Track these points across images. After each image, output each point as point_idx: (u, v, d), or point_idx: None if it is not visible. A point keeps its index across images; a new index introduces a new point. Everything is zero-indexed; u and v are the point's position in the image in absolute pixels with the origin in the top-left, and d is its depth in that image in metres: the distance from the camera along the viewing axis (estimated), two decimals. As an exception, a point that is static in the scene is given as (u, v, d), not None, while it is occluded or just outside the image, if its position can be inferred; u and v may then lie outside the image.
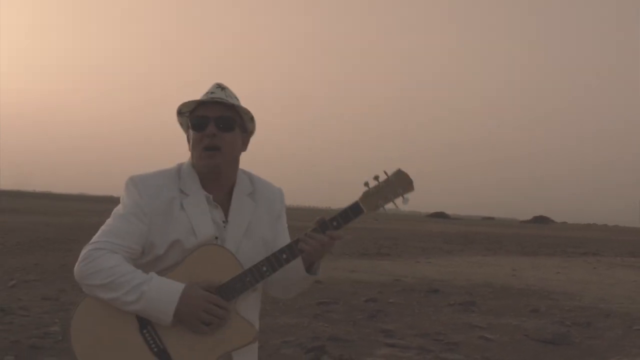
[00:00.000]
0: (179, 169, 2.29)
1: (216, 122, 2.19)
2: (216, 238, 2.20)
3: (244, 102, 2.32)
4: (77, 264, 2.14)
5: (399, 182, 2.23)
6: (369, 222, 70.75)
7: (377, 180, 2.22)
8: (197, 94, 2.26)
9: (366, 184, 2.22)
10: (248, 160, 2.35)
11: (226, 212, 2.26)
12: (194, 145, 2.23)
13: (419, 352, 7.36)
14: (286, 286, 2.34)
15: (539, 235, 53.00)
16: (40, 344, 6.71)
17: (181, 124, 2.31)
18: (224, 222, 2.24)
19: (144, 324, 2.05)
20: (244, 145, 2.31)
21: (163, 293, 2.05)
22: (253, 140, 2.35)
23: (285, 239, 2.35)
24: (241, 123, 2.28)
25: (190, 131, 2.25)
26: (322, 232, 2.15)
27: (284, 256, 2.16)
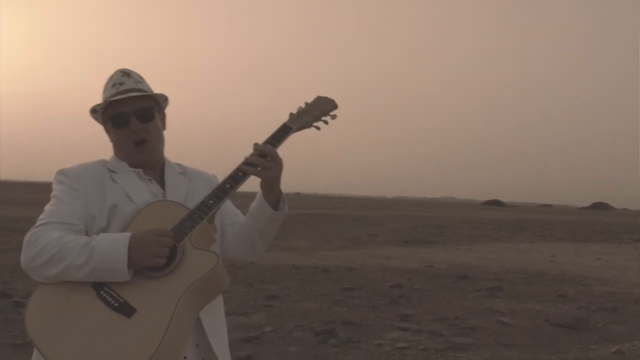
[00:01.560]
0: (103, 159, 2.29)
1: (137, 116, 2.18)
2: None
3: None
4: (21, 253, 2.01)
5: (321, 102, 2.35)
6: (420, 210, 70.47)
7: (300, 107, 2.32)
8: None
9: (290, 113, 2.30)
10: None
11: (161, 187, 2.25)
12: (121, 143, 2.22)
13: (430, 336, 7.44)
14: (251, 231, 2.26)
15: (595, 222, 51.85)
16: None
17: (96, 120, 2.29)
18: (162, 194, 2.22)
19: (100, 287, 1.94)
20: (164, 125, 2.31)
21: (111, 242, 1.96)
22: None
23: (232, 207, 2.37)
24: (158, 107, 2.27)
25: (111, 127, 2.23)
26: (260, 155, 2.14)
27: (227, 185, 2.13)
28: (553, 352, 7.02)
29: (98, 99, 2.24)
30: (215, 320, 2.18)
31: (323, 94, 2.41)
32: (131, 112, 2.16)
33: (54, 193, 2.16)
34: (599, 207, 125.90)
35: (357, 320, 8.06)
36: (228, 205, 2.36)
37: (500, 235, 30.15)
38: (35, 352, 2.01)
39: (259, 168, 2.13)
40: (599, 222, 51.11)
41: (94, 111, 2.24)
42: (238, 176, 2.14)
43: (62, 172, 2.19)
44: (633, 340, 7.66)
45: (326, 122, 2.34)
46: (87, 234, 2.07)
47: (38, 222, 2.05)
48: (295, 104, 2.36)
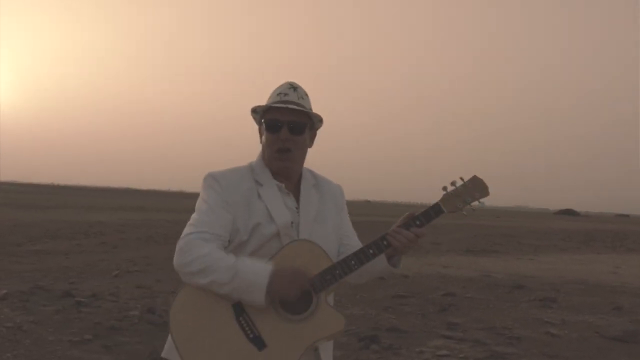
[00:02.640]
0: (250, 165, 2.46)
1: (289, 126, 2.35)
2: (292, 223, 2.34)
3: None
4: (175, 256, 2.26)
5: (475, 187, 2.41)
6: (489, 219, 69.52)
7: (455, 185, 2.39)
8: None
9: (444, 188, 2.39)
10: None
11: (296, 200, 2.43)
12: (268, 145, 2.39)
13: (473, 344, 7.49)
14: (362, 275, 2.42)
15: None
16: (118, 325, 7.44)
17: (254, 119, 2.48)
18: (296, 208, 2.39)
19: (240, 311, 2.14)
20: (311, 142, 2.48)
21: (255, 268, 2.16)
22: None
23: (349, 229, 2.56)
24: (311, 124, 2.44)
25: (263, 130, 2.41)
26: (407, 229, 2.30)
27: (371, 251, 2.28)
28: (597, 364, 6.97)
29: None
30: (328, 353, 2.42)
31: (479, 175, 2.45)
32: (285, 121, 2.36)
33: (205, 199, 2.36)
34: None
35: (403, 327, 8.17)
36: (346, 221, 2.60)
37: (567, 245, 29.47)
38: (168, 342, 2.28)
39: (404, 242, 2.30)
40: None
41: (254, 111, 2.45)
42: (382, 245, 2.30)
43: (214, 178, 2.38)
44: (684, 355, 7.52)
45: (474, 210, 2.45)
46: (229, 243, 2.32)
47: (191, 229, 2.28)
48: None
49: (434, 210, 2.35)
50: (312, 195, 2.46)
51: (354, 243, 2.53)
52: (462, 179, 2.41)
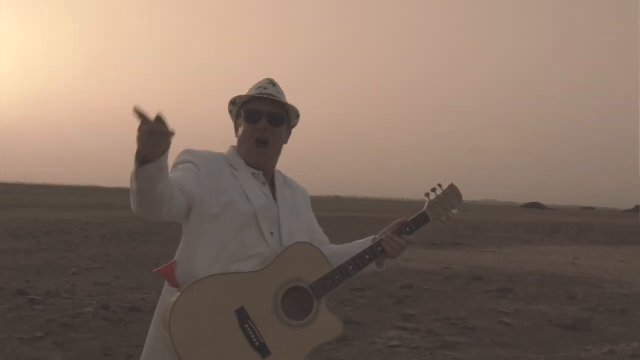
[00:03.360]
0: (223, 154, 2.46)
1: (268, 117, 2.38)
2: (265, 208, 2.34)
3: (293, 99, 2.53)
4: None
5: (453, 195, 2.53)
6: (460, 214, 69.85)
7: (435, 193, 2.50)
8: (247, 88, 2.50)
9: (427, 195, 2.48)
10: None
11: (272, 192, 2.44)
12: (245, 137, 2.41)
13: (426, 335, 7.60)
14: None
15: (637, 225, 50.99)
16: (71, 322, 7.39)
17: (231, 112, 2.50)
18: (274, 199, 2.41)
19: (244, 318, 2.13)
20: (286, 139, 2.51)
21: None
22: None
23: (317, 226, 2.61)
24: (288, 119, 2.48)
25: (242, 121, 2.43)
26: (399, 235, 2.40)
27: (367, 257, 2.35)
28: (546, 352, 7.12)
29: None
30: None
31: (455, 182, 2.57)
32: (265, 112, 2.39)
33: (175, 167, 2.33)
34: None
35: (357, 320, 8.25)
36: (314, 219, 2.63)
37: (531, 238, 29.89)
38: (148, 347, 2.30)
39: (397, 248, 2.39)
40: (638, 225, 50.24)
41: (233, 103, 2.48)
42: (378, 251, 2.38)
43: (188, 152, 2.37)
44: (631, 342, 7.71)
45: (450, 217, 2.55)
46: (191, 205, 2.25)
47: None
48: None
49: (422, 219, 2.47)
50: (286, 191, 2.50)
51: (324, 239, 2.60)
52: (440, 186, 2.51)
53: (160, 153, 1.96)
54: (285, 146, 2.53)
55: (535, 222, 50.34)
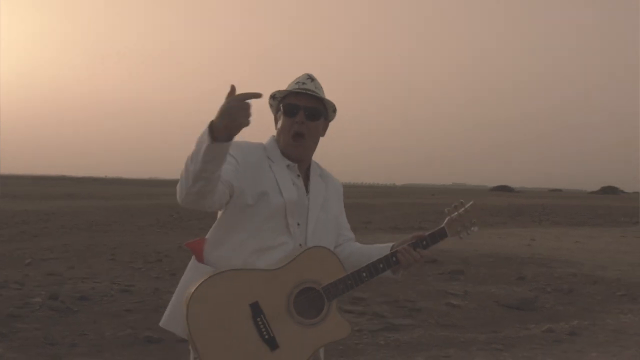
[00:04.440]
0: (262, 144, 2.56)
1: (305, 111, 2.48)
2: (294, 202, 2.45)
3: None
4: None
5: (474, 213, 2.59)
6: (426, 197, 70.64)
7: (456, 210, 2.57)
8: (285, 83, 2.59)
9: (448, 211, 2.57)
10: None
11: (305, 184, 2.55)
12: (283, 130, 2.50)
13: (371, 317, 7.72)
14: (353, 267, 2.54)
15: (599, 206, 51.81)
16: (17, 312, 7.38)
17: (271, 106, 2.59)
18: (306, 191, 2.52)
19: (257, 312, 2.23)
20: (323, 132, 2.60)
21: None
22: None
23: (346, 222, 2.71)
24: (325, 113, 2.57)
25: (281, 115, 2.52)
26: (414, 248, 2.47)
27: (381, 265, 2.43)
28: (487, 332, 7.29)
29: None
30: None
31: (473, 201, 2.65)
32: (302, 106, 2.48)
33: None
34: (608, 191, 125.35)
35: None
36: (344, 214, 2.72)
37: (495, 221, 30.25)
38: (168, 312, 2.39)
39: (411, 261, 2.47)
40: (602, 207, 51.07)
41: (273, 97, 2.57)
42: (392, 261, 2.46)
43: (236, 144, 2.38)
44: (572, 320, 7.93)
45: (468, 234, 2.60)
46: (229, 196, 2.36)
47: None
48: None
49: (439, 234, 2.54)
50: (319, 184, 2.59)
51: (349, 235, 2.70)
52: (462, 203, 2.60)
53: (236, 130, 2.09)
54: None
55: (501, 205, 50.84)
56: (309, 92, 2.49)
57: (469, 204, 2.59)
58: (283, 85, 2.60)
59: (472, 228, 2.59)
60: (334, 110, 2.60)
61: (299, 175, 2.52)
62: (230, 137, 2.10)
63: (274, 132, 2.60)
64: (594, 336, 7.06)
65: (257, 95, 2.13)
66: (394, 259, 2.46)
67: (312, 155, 2.60)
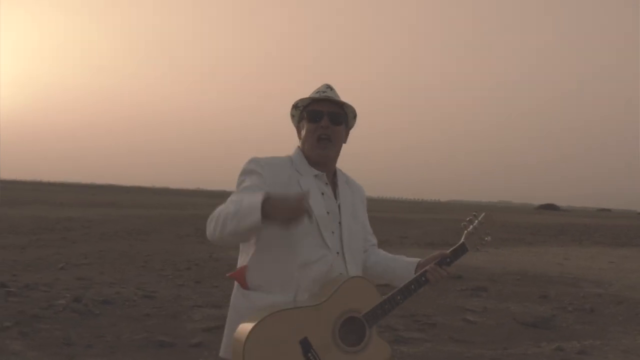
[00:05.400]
0: (289, 156, 2.67)
1: (329, 116, 2.60)
2: (327, 213, 2.57)
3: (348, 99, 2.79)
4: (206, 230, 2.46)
5: (487, 223, 2.75)
6: (468, 214, 69.65)
7: (472, 223, 2.74)
8: (305, 93, 2.77)
9: (464, 226, 2.73)
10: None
11: (334, 191, 2.67)
12: (308, 135, 2.61)
13: (383, 330, 7.79)
14: (377, 278, 2.79)
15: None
16: (41, 313, 7.68)
17: (293, 117, 2.71)
18: (335, 199, 2.64)
19: (307, 348, 2.35)
20: (345, 138, 2.71)
21: (254, 195, 2.31)
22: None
23: (368, 228, 2.85)
24: (346, 119, 2.69)
25: (304, 123, 2.63)
26: (440, 266, 2.62)
27: (413, 287, 2.58)
28: (498, 348, 7.29)
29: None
30: None
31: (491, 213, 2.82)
32: (325, 112, 2.62)
33: (245, 180, 2.55)
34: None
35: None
36: (367, 220, 2.88)
37: (535, 239, 29.88)
38: (225, 342, 2.56)
39: (439, 278, 2.64)
40: (647, 228, 49.94)
41: (295, 106, 2.70)
42: (422, 281, 2.62)
43: (257, 161, 2.58)
44: (585, 339, 7.88)
45: (483, 245, 2.78)
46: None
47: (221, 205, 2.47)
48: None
49: (461, 250, 2.69)
50: (347, 191, 2.71)
51: (373, 240, 2.87)
52: (475, 215, 2.76)
53: (283, 220, 2.27)
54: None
55: (543, 223, 50.24)
56: (331, 99, 2.62)
57: (481, 216, 2.74)
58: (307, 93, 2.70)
59: (486, 238, 2.73)
60: (354, 117, 2.72)
61: (327, 184, 2.63)
62: (271, 221, 2.26)
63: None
64: (603, 356, 7.00)
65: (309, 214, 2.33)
66: (423, 279, 2.61)
67: (336, 160, 2.70)
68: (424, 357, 6.66)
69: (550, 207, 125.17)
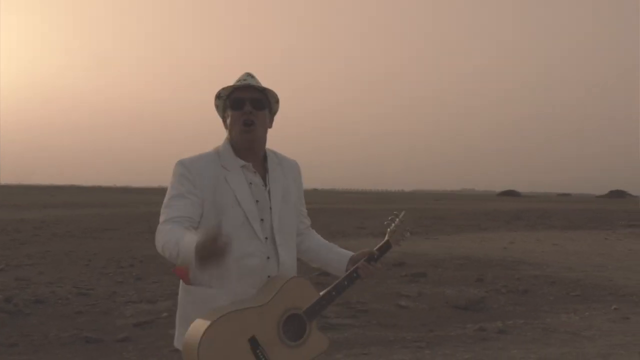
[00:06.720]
0: (217, 150, 2.76)
1: (251, 102, 2.69)
2: (257, 202, 2.69)
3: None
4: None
5: (407, 221, 2.97)
6: (428, 202, 70.81)
7: (393, 222, 2.93)
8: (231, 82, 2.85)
9: (387, 225, 2.92)
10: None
11: (263, 178, 2.76)
12: (233, 122, 2.71)
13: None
14: (309, 261, 3.01)
15: (600, 210, 51.69)
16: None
17: (217, 107, 2.79)
18: (263, 186, 2.74)
19: (255, 345, 2.55)
20: (270, 123, 2.80)
21: (188, 247, 2.44)
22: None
23: (303, 206, 2.95)
24: (269, 104, 2.78)
25: (229, 111, 2.72)
26: (369, 262, 2.82)
27: (346, 283, 2.77)
28: (424, 331, 7.43)
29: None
30: None
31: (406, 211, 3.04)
32: (247, 98, 2.70)
33: (176, 186, 2.69)
34: (616, 195, 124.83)
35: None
36: (301, 198, 2.96)
37: (489, 225, 30.35)
38: (177, 334, 2.72)
39: (369, 274, 2.81)
40: (603, 210, 50.97)
41: (218, 97, 2.77)
42: (354, 277, 2.82)
43: (184, 165, 2.70)
44: (512, 319, 8.09)
45: (404, 239, 3.00)
46: (198, 224, 2.67)
47: (162, 218, 2.65)
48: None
49: (386, 247, 2.91)
50: (278, 173, 2.79)
51: (306, 222, 2.96)
52: (396, 214, 2.97)
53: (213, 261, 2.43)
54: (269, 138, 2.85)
55: (501, 209, 50.95)
56: (251, 85, 2.72)
57: (402, 214, 2.98)
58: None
59: (406, 234, 2.97)
60: (277, 101, 2.81)
61: (255, 172, 2.72)
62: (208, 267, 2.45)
63: (223, 134, 2.80)
64: (522, 334, 7.22)
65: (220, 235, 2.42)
66: (355, 274, 2.81)
67: (264, 145, 2.78)
68: (345, 342, 6.78)
69: (511, 194, 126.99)
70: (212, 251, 2.39)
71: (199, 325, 2.53)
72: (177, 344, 2.72)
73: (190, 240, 2.45)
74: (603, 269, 12.93)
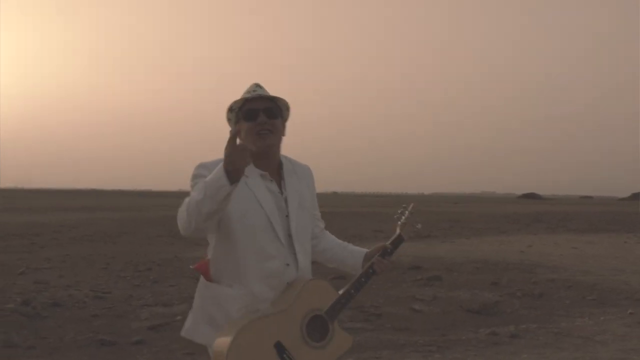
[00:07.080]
0: None
1: (265, 112, 2.72)
2: (277, 208, 2.72)
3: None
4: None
5: (416, 213, 3.01)
6: (447, 206, 70.51)
7: (403, 215, 2.98)
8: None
9: (397, 218, 2.97)
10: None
11: (279, 186, 2.79)
12: (248, 134, 2.72)
13: (327, 321, 7.94)
14: (325, 262, 3.01)
15: (621, 213, 51.22)
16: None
17: (229, 120, 2.80)
18: (280, 193, 2.77)
19: (281, 349, 2.60)
20: (283, 130, 2.82)
21: (214, 172, 2.46)
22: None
23: (317, 210, 2.97)
24: (281, 112, 2.81)
25: (242, 123, 2.73)
26: (383, 257, 2.87)
27: (363, 279, 2.81)
28: (436, 335, 7.44)
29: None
30: None
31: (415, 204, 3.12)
32: (260, 109, 2.74)
33: (196, 184, 2.64)
34: (638, 197, 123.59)
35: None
36: (315, 203, 2.99)
37: (509, 228, 30.18)
38: (188, 322, 2.75)
39: (384, 268, 2.86)
40: (623, 213, 50.49)
41: (230, 110, 2.80)
42: (370, 273, 2.85)
43: (204, 167, 2.70)
44: (522, 323, 8.05)
45: (415, 232, 3.08)
46: (218, 223, 2.66)
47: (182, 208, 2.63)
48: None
49: (399, 241, 2.95)
50: (293, 180, 2.82)
51: (320, 225, 2.98)
52: (405, 207, 3.01)
53: (242, 173, 2.44)
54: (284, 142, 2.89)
55: (521, 212, 50.63)
56: (262, 95, 2.76)
57: (410, 207, 3.02)
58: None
59: (417, 226, 3.00)
60: (287, 109, 2.83)
61: (272, 180, 2.75)
62: (238, 179, 2.43)
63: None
64: (535, 339, 7.20)
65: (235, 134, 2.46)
66: (371, 270, 2.85)
67: (279, 153, 2.81)
68: (359, 346, 6.80)
69: (532, 196, 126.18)
70: (234, 151, 2.40)
71: (225, 335, 2.58)
72: (185, 333, 2.76)
73: (213, 172, 2.46)
74: (620, 272, 12.84)
